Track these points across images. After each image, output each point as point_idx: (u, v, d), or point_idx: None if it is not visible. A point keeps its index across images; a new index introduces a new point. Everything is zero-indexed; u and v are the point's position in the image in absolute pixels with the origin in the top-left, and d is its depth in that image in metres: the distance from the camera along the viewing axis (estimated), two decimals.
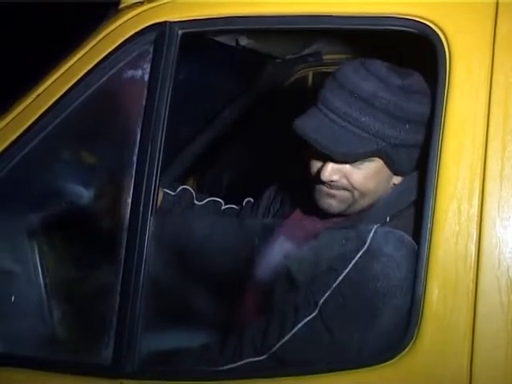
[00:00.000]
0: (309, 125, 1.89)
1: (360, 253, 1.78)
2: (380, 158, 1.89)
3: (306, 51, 2.97)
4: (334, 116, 1.87)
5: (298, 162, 2.08)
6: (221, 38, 2.49)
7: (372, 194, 1.93)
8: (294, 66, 3.04)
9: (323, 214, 1.98)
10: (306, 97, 3.02)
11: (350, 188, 1.92)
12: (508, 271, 1.65)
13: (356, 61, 1.93)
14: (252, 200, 2.42)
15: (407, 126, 1.87)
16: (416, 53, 1.88)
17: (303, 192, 2.06)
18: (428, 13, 1.77)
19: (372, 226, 1.80)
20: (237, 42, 2.61)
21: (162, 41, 1.90)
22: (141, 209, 1.85)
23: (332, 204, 1.94)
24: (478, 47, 1.72)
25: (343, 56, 2.86)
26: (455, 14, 1.76)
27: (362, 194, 1.92)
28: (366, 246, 1.78)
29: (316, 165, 1.93)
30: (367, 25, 1.85)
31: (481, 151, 1.68)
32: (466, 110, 1.70)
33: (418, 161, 1.91)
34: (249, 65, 2.96)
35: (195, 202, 2.38)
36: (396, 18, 1.80)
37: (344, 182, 1.91)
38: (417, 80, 1.89)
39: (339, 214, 1.96)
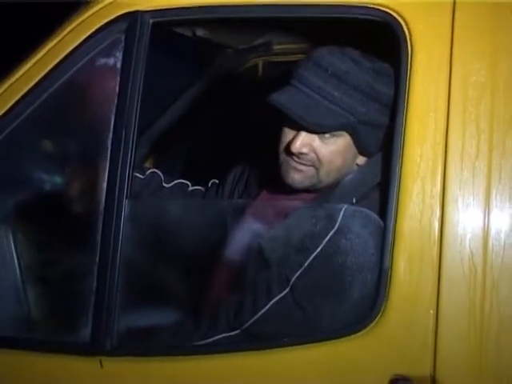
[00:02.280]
0: (284, 98, 2.00)
1: (331, 232, 1.87)
2: (348, 133, 2.00)
3: (258, 41, 3.09)
4: (308, 90, 1.99)
5: (261, 143, 2.18)
6: (179, 29, 2.58)
7: (336, 172, 2.03)
8: (246, 55, 3.15)
9: (290, 194, 2.07)
10: (257, 84, 3.17)
11: (317, 164, 2.01)
12: (469, 245, 1.76)
13: (331, 46, 2.03)
14: (217, 181, 2.51)
15: (376, 105, 1.99)
16: (375, 41, 1.99)
17: (269, 173, 2.16)
18: (389, 1, 1.86)
19: (342, 206, 1.89)
20: (193, 32, 2.71)
21: (134, 30, 1.96)
22: (116, 192, 1.91)
23: (297, 178, 2.03)
24: (437, 35, 1.83)
25: (294, 46, 2.99)
26: (416, 3, 1.86)
27: (328, 172, 2.02)
28: (336, 225, 1.87)
29: (287, 136, 2.03)
30: (329, 13, 1.94)
31: (442, 133, 1.79)
32: (428, 93, 1.81)
33: (381, 143, 2.02)
34: (205, 54, 3.05)
35: (163, 184, 2.46)
36: (358, 6, 1.89)
37: (312, 155, 2.01)
38: (386, 65, 2.00)
39: (306, 193, 2.06)
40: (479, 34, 1.81)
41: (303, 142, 2.00)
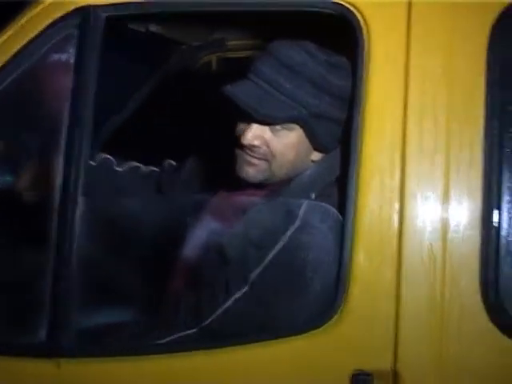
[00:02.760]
0: (237, 89, 1.99)
1: (292, 228, 1.86)
2: (300, 126, 2.00)
3: (211, 38, 3.09)
4: (261, 82, 1.99)
5: (215, 139, 2.20)
6: (132, 25, 2.56)
7: (289, 165, 2.02)
8: (200, 52, 3.14)
9: (246, 190, 2.06)
10: (211, 80, 3.17)
11: (269, 157, 2.01)
12: (429, 237, 1.76)
13: (288, 40, 2.03)
14: (173, 163, 2.49)
15: (329, 99, 1.98)
16: (333, 35, 1.98)
17: (225, 170, 2.15)
18: None
19: (302, 201, 1.89)
20: (147, 28, 2.70)
21: (87, 24, 1.93)
22: (71, 189, 1.87)
23: (250, 172, 2.02)
24: (394, 28, 1.82)
25: (247, 42, 2.99)
26: None
27: (280, 165, 2.01)
28: (297, 221, 1.86)
29: (240, 129, 2.02)
30: (285, 6, 1.93)
31: (400, 127, 1.79)
32: (386, 87, 1.81)
33: (338, 138, 2.02)
34: (159, 50, 3.04)
35: (116, 168, 2.43)
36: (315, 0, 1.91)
37: (264, 149, 2.00)
38: (343, 58, 2.00)
39: (262, 189, 2.04)
40: (435, 27, 1.82)
41: (254, 134, 1.99)
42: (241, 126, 2.02)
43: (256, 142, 1.99)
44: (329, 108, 1.98)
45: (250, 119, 1.98)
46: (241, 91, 1.97)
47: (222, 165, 2.14)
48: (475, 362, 1.76)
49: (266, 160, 2.01)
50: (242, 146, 2.00)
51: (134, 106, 2.91)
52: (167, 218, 2.12)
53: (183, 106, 2.86)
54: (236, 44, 3.07)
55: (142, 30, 2.69)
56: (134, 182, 2.40)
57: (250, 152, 2.00)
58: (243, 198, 2.04)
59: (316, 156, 2.05)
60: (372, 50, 1.82)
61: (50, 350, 1.88)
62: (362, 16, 1.84)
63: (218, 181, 2.19)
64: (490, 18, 1.81)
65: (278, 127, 1.99)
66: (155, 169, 2.52)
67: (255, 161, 2.01)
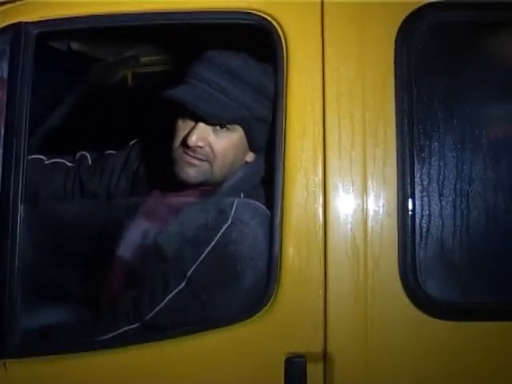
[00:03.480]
0: (181, 92, 2.10)
1: (225, 225, 1.98)
2: (242, 127, 2.12)
3: (126, 54, 3.21)
4: (203, 85, 2.11)
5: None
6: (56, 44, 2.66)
7: (228, 167, 2.13)
8: (116, 67, 3.25)
9: (181, 191, 2.16)
10: (127, 93, 3.27)
11: (211, 159, 2.11)
12: (352, 228, 1.91)
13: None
14: (86, 154, 2.52)
15: (265, 101, 2.11)
16: (251, 43, 2.12)
17: (158, 172, 2.26)
18: (261, 5, 1.98)
19: (233, 199, 2.02)
20: (69, 46, 2.81)
21: (19, 41, 2.01)
22: (11, 200, 1.95)
23: (190, 173, 2.11)
24: (309, 35, 1.97)
25: (160, 57, 3.16)
26: (287, 5, 1.98)
27: (221, 167, 2.12)
28: (230, 219, 1.99)
29: (182, 131, 2.12)
30: (207, 19, 2.04)
31: (320, 126, 1.93)
32: (305, 90, 1.95)
33: (265, 139, 2.14)
34: (79, 66, 3.13)
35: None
36: (235, 11, 2.01)
37: (207, 150, 2.11)
38: (267, 62, 2.11)
39: (196, 189, 2.14)
40: (347, 32, 1.97)
41: (199, 135, 2.09)
42: (183, 128, 2.11)
43: (200, 143, 2.09)
44: (264, 110, 2.11)
45: (194, 121, 2.09)
46: (185, 93, 2.07)
47: (153, 165, 2.26)
48: (397, 338, 1.92)
49: (208, 161, 2.11)
50: (185, 147, 2.10)
51: (62, 113, 2.99)
52: (104, 220, 2.21)
53: (105, 113, 2.95)
54: (149, 59, 3.20)
55: (64, 48, 2.80)
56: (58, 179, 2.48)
57: (192, 153, 2.10)
58: (178, 199, 2.15)
59: (250, 157, 2.17)
60: (290, 56, 1.96)
61: None
62: (280, 25, 1.97)
63: (152, 184, 2.29)
64: (398, 19, 1.97)
65: (222, 128, 2.10)
66: (62, 160, 2.51)
67: (197, 162, 2.11)
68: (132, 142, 2.43)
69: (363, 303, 1.91)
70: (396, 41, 1.95)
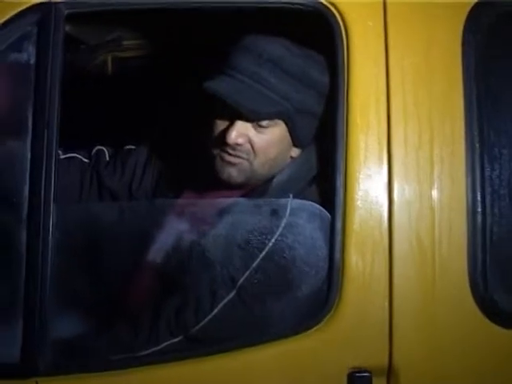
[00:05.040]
0: (219, 85, 1.91)
1: (279, 228, 1.81)
2: (284, 121, 1.94)
3: (109, 37, 3.05)
4: (243, 77, 1.92)
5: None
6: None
7: (271, 164, 1.96)
8: (96, 51, 3.09)
9: (219, 191, 1.98)
10: (106, 80, 3.10)
11: (251, 156, 1.93)
12: (419, 232, 1.76)
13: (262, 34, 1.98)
14: (103, 148, 2.31)
15: (311, 93, 1.94)
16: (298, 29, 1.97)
17: (188, 172, 2.07)
18: None
19: (287, 200, 1.85)
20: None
21: (48, 22, 1.81)
22: (42, 196, 1.76)
23: (232, 173, 1.94)
24: (372, 23, 1.81)
25: (142, 41, 2.99)
26: None
27: (262, 164, 1.95)
28: (284, 221, 1.82)
29: (221, 128, 1.94)
30: (261, 2, 1.89)
31: (385, 123, 1.78)
32: (368, 84, 1.79)
33: (314, 134, 1.98)
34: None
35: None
36: None
37: (247, 146, 1.93)
38: (316, 53, 1.95)
39: (237, 189, 1.97)
40: (412, 22, 1.82)
41: (239, 131, 1.91)
42: (220, 124, 1.94)
43: (240, 140, 1.91)
44: (310, 102, 1.94)
45: (233, 117, 1.92)
46: (223, 87, 1.89)
47: (186, 163, 2.08)
48: (467, 350, 1.79)
49: (248, 159, 1.94)
50: (223, 145, 1.93)
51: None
52: (125, 219, 2.01)
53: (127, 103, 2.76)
54: (131, 43, 3.04)
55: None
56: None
57: (231, 151, 1.93)
58: (219, 199, 1.95)
59: (295, 152, 2.00)
60: (351, 47, 1.79)
61: (26, 370, 1.73)
62: (339, 12, 1.81)
63: (182, 180, 2.10)
64: (463, 12, 1.85)
65: (262, 123, 1.92)
66: (77, 155, 2.30)
67: (236, 160, 1.93)
68: (156, 137, 2.24)
69: (430, 313, 1.77)
70: (463, 30, 1.82)
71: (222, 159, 1.94)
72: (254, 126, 1.93)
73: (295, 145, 1.99)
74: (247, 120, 1.92)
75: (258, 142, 1.94)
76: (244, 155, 1.94)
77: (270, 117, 1.93)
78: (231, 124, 1.93)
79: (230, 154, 1.94)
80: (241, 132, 1.92)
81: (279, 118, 1.94)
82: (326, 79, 1.93)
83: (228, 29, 2.01)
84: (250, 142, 1.94)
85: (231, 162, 1.94)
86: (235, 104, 1.89)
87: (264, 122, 1.93)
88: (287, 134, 1.96)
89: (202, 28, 2.49)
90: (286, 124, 1.95)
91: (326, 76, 1.93)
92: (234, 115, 1.92)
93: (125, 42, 3.05)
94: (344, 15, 1.81)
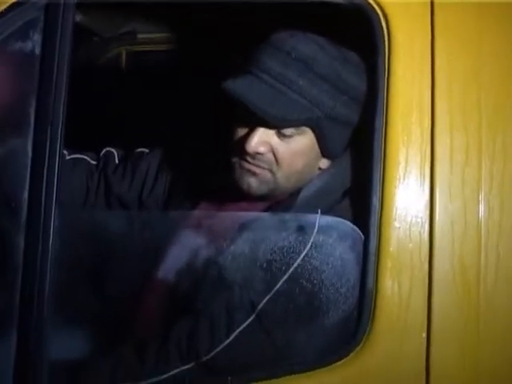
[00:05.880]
0: (241, 86, 1.70)
1: (305, 247, 1.62)
2: (312, 130, 1.74)
3: (123, 30, 2.96)
4: (267, 77, 1.71)
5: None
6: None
7: (297, 176, 1.77)
8: (110, 44, 2.99)
9: (239, 203, 1.80)
10: (120, 74, 2.95)
11: (274, 167, 1.75)
12: (463, 259, 1.57)
13: (293, 29, 1.76)
14: (113, 151, 2.13)
15: (345, 99, 1.74)
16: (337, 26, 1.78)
17: (205, 181, 1.89)
18: None
19: (315, 216, 1.65)
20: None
21: (56, 8, 1.62)
22: (42, 201, 1.57)
23: (252, 183, 1.76)
24: (417, 25, 1.63)
25: (158, 35, 2.88)
26: None
27: (287, 176, 1.76)
28: (311, 240, 1.62)
29: (240, 133, 1.76)
30: None
31: (428, 135, 1.59)
32: (411, 91, 1.59)
33: (346, 144, 1.79)
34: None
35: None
36: None
37: (270, 157, 1.74)
38: (354, 54, 1.76)
39: (259, 202, 1.79)
40: (461, 24, 1.63)
41: (260, 139, 1.72)
42: (241, 130, 1.75)
43: (261, 149, 1.72)
44: (343, 110, 1.74)
45: (255, 122, 1.72)
46: (246, 88, 1.69)
47: (203, 170, 1.89)
48: None
49: (270, 169, 1.75)
50: (243, 153, 1.73)
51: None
52: (133, 229, 1.83)
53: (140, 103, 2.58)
54: (146, 37, 2.94)
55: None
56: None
57: (251, 160, 1.74)
58: (239, 212, 1.77)
59: (324, 163, 1.80)
60: (394, 48, 1.60)
61: None
62: (382, 9, 1.62)
63: (198, 190, 1.92)
64: None
65: (287, 131, 1.72)
66: (84, 157, 2.12)
67: (258, 170, 1.74)
68: (170, 139, 2.05)
69: (474, 349, 1.57)
70: None
71: (242, 167, 1.76)
72: (277, 134, 1.74)
73: (324, 155, 1.80)
74: (270, 126, 1.73)
75: (282, 152, 1.75)
76: (266, 165, 1.75)
77: (297, 124, 1.73)
78: (252, 130, 1.74)
79: (250, 163, 1.75)
80: (262, 140, 1.73)
81: (307, 126, 1.74)
82: (363, 84, 1.73)
83: (253, 23, 1.84)
84: (273, 150, 1.74)
85: (251, 171, 1.75)
86: (255, 107, 1.68)
87: (288, 130, 1.73)
88: (315, 144, 1.77)
89: (224, 22, 2.31)
90: (315, 132, 1.75)
91: (363, 81, 1.73)
92: (255, 120, 1.72)
93: (140, 36, 2.95)
94: (388, 14, 1.62)
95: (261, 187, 1.76)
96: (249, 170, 1.75)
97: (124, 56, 3.04)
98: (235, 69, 1.76)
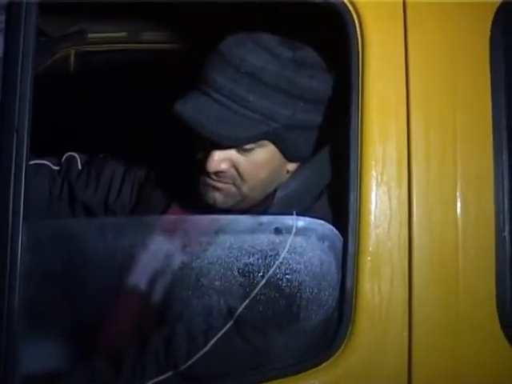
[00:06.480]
0: (189, 107, 1.63)
1: (283, 250, 1.58)
2: (272, 142, 1.69)
3: (73, 29, 2.90)
4: (217, 95, 1.64)
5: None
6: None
7: (262, 185, 1.72)
8: (58, 44, 2.92)
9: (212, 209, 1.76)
10: (67, 76, 2.89)
11: (237, 181, 1.70)
12: (442, 256, 1.56)
13: (241, 34, 1.69)
14: (77, 156, 2.06)
15: (301, 104, 1.68)
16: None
17: (176, 184, 1.84)
18: None
19: (292, 218, 1.60)
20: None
21: (18, 7, 1.57)
22: (10, 216, 1.51)
23: (217, 198, 1.71)
24: (390, 21, 1.61)
25: (110, 35, 2.81)
26: None
27: (252, 187, 1.71)
28: (288, 242, 1.58)
29: (201, 152, 1.70)
30: None
31: (405, 134, 1.58)
32: (386, 91, 1.58)
33: (314, 145, 1.74)
34: None
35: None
36: None
37: (233, 172, 1.69)
38: (310, 53, 1.71)
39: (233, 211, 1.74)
40: (433, 24, 1.62)
41: (220, 157, 1.66)
42: (200, 149, 1.69)
43: (223, 167, 1.67)
44: (303, 115, 1.68)
45: (210, 144, 1.66)
46: (193, 110, 1.62)
47: (171, 175, 1.84)
48: None
49: (234, 183, 1.70)
50: (204, 172, 1.68)
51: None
52: (101, 237, 1.76)
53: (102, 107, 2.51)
54: (98, 37, 2.86)
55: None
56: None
57: (214, 177, 1.69)
58: (212, 217, 1.70)
59: (292, 166, 1.76)
60: (367, 48, 1.59)
61: None
62: (355, 8, 1.61)
63: (167, 194, 1.86)
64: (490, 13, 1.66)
65: (245, 146, 1.67)
66: (45, 162, 2.04)
67: (221, 185, 1.70)
68: (134, 143, 1.99)
69: (453, 345, 1.56)
70: (491, 32, 1.64)
71: (206, 184, 1.71)
72: (237, 149, 1.69)
73: (291, 160, 1.76)
74: (226, 147, 1.68)
75: (244, 166, 1.69)
76: (229, 180, 1.71)
77: (253, 140, 1.67)
78: (211, 150, 1.68)
79: (214, 180, 1.70)
80: (222, 157, 1.68)
81: (265, 140, 1.69)
82: (316, 84, 1.68)
83: (206, 29, 1.79)
84: (235, 166, 1.69)
85: (216, 187, 1.71)
86: (205, 130, 1.62)
87: (248, 145, 1.68)
88: (278, 153, 1.72)
89: (178, 19, 2.26)
90: (275, 144, 1.70)
91: (316, 80, 1.68)
92: (210, 143, 1.66)
93: (90, 35, 2.87)
94: (361, 14, 1.60)
95: (227, 201, 1.72)
96: (214, 187, 1.71)
97: (73, 56, 2.99)
98: (187, 84, 1.70)
